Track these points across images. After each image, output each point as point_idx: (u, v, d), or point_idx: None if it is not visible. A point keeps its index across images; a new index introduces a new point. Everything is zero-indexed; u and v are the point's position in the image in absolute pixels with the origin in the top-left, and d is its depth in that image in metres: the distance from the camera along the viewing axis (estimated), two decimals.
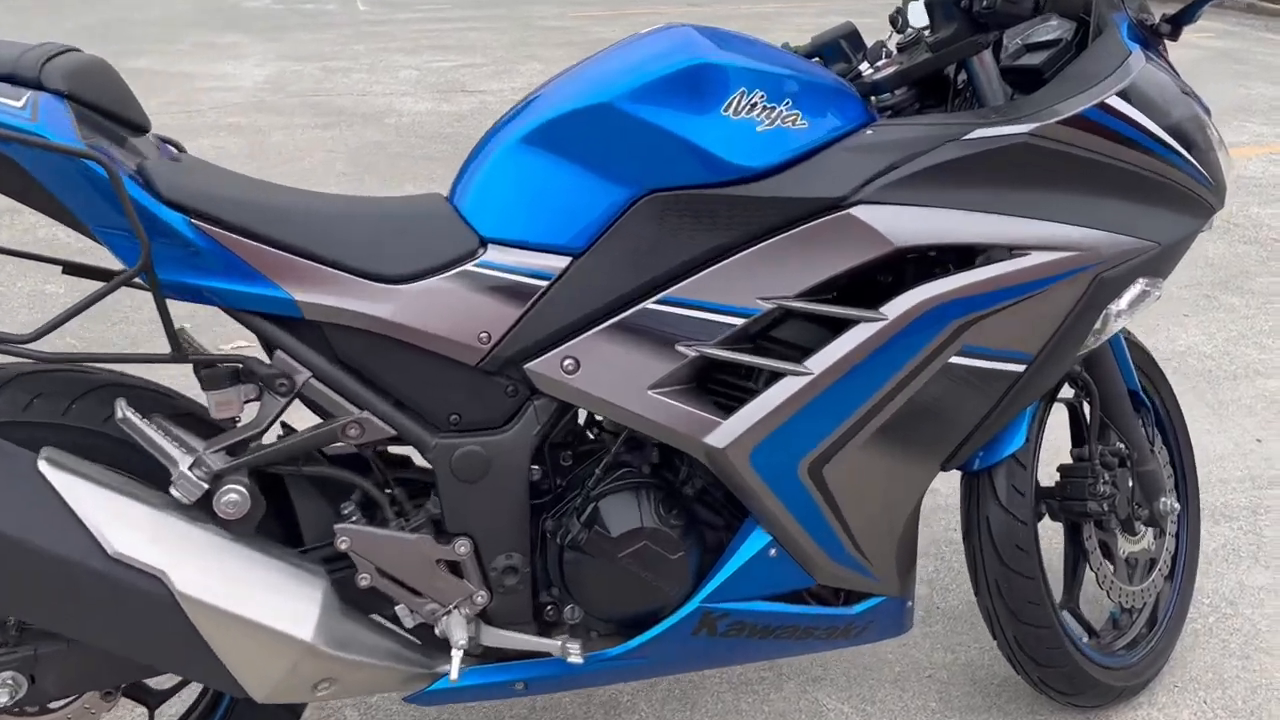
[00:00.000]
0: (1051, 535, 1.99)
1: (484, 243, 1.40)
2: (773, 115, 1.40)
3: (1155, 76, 1.48)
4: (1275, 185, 4.69)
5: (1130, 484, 1.77)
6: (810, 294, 1.41)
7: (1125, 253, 1.48)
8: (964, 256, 1.46)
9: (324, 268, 1.35)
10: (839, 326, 1.42)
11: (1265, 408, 2.92)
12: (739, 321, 1.40)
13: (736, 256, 1.40)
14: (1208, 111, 1.58)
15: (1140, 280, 1.52)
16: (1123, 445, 1.77)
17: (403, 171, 4.63)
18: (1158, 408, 1.96)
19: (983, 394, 1.48)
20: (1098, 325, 1.52)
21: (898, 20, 1.64)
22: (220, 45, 7.09)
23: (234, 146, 4.92)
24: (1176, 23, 1.53)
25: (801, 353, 1.43)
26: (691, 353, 1.40)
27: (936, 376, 1.44)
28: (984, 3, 1.42)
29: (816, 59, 1.71)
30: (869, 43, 1.68)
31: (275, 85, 6.07)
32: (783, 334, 1.46)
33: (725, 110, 1.39)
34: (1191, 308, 3.51)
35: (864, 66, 1.63)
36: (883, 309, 1.41)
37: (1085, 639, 1.85)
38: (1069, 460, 1.81)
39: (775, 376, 1.42)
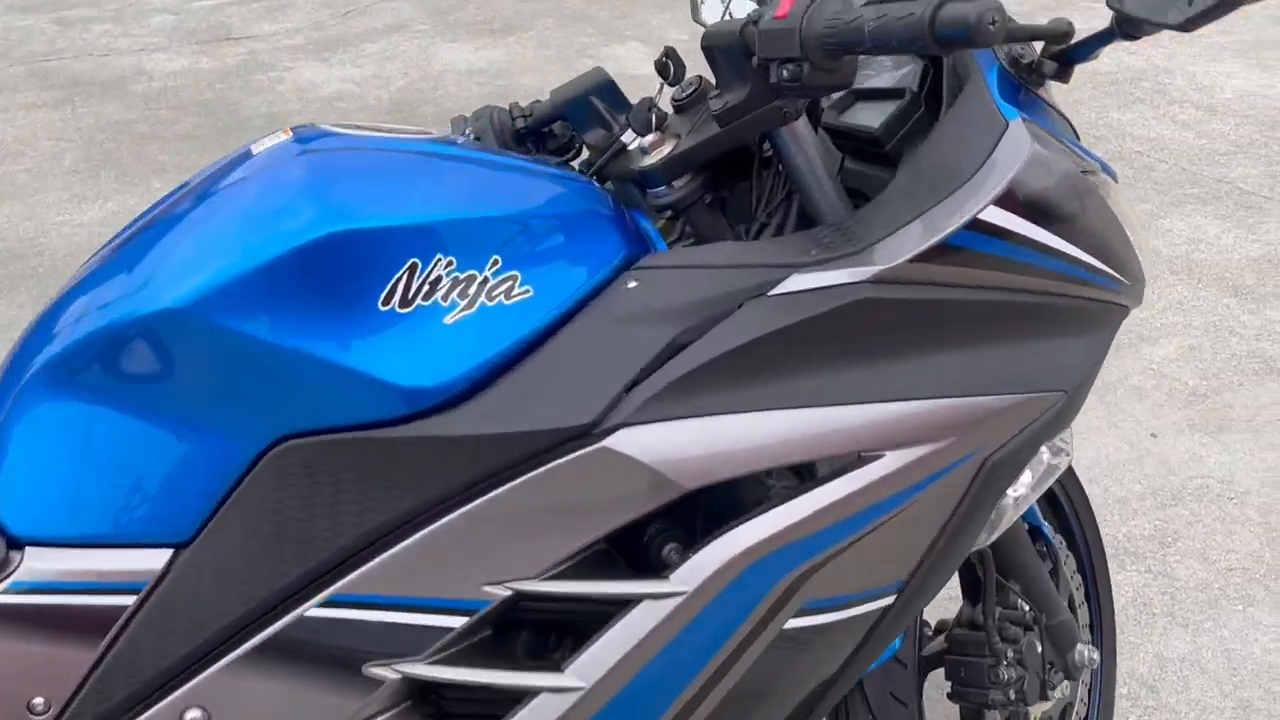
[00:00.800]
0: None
1: (19, 547, 0.87)
2: (470, 292, 0.87)
3: (1044, 159, 0.97)
4: (1134, 80, 4.29)
5: (1040, 649, 1.35)
6: (564, 564, 0.90)
7: (1020, 417, 1.00)
8: (793, 472, 0.97)
9: None
10: (613, 610, 0.92)
11: (1155, 386, 2.57)
12: (458, 621, 0.90)
13: (440, 523, 0.89)
14: (1113, 175, 1.10)
15: (1044, 448, 1.06)
16: (1027, 606, 1.34)
17: (150, 161, 3.85)
18: (1060, 502, 1.54)
19: (838, 646, 1.01)
20: (992, 517, 1.06)
21: (668, 68, 1.09)
22: None
23: None
24: (1067, 62, 1.03)
25: (562, 654, 0.93)
26: (391, 674, 0.90)
27: (768, 650, 0.96)
28: (785, 73, 0.89)
29: (559, 123, 1.16)
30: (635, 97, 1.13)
31: None
32: (529, 631, 0.95)
33: (386, 302, 0.86)
34: None
35: (629, 136, 1.10)
36: (674, 576, 0.91)
37: None
38: (961, 617, 1.38)
39: (527, 694, 0.92)
